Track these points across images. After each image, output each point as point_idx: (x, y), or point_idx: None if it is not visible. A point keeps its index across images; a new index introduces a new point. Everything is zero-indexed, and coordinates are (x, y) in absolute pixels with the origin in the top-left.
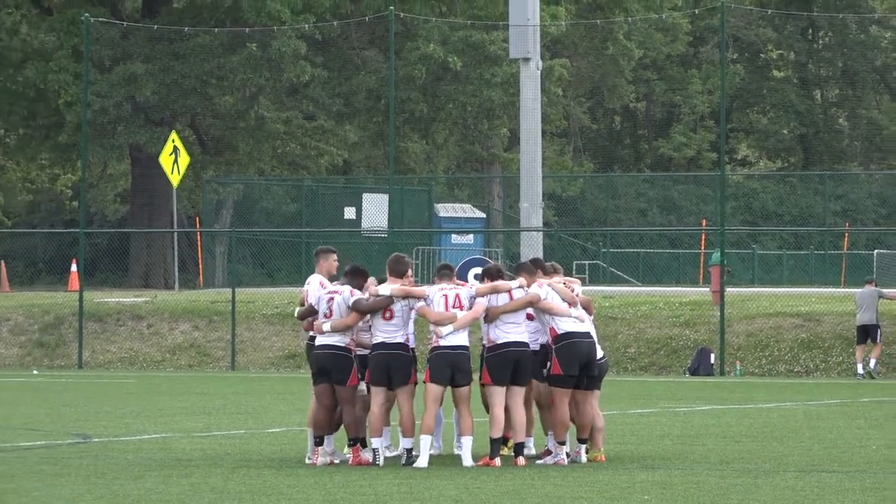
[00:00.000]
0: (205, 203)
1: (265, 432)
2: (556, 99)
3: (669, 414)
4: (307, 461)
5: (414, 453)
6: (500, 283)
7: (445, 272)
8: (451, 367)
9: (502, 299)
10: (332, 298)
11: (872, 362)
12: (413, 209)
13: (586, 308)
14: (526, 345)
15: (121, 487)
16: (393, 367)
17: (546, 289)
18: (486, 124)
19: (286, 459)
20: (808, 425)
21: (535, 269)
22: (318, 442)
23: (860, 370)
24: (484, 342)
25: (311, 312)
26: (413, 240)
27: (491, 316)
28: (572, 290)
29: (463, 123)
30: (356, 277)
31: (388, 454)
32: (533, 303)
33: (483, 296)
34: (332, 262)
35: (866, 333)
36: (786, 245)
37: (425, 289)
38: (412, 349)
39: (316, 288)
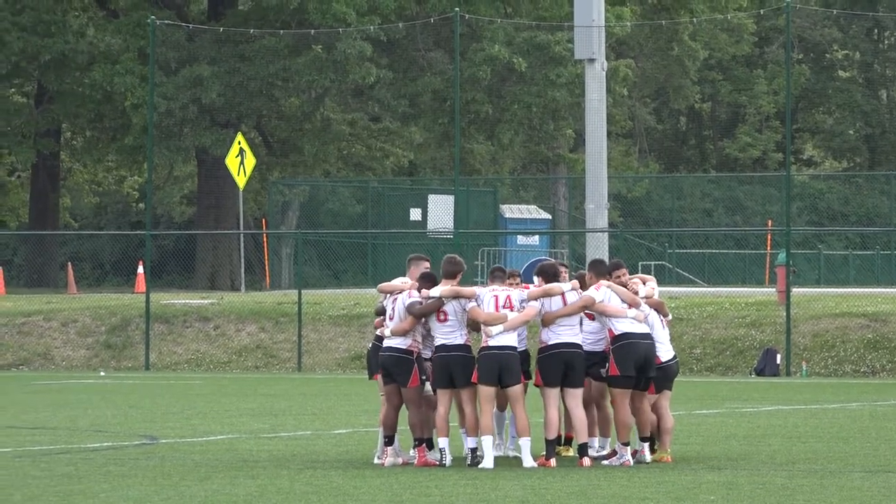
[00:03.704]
0: (271, 205)
1: (331, 433)
2: (621, 100)
3: (735, 414)
4: (376, 461)
5: (478, 454)
6: (552, 286)
7: (498, 274)
8: (497, 367)
9: (556, 302)
10: (395, 300)
11: None
12: (478, 210)
13: (658, 309)
14: (578, 346)
15: (187, 489)
16: (454, 367)
17: (604, 291)
18: (551, 125)
19: (352, 460)
20: (874, 426)
21: (603, 269)
22: (388, 442)
23: None
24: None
25: (383, 312)
26: (478, 241)
27: (547, 321)
28: (636, 291)
29: (528, 124)
30: (425, 283)
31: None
32: (587, 306)
33: (535, 299)
34: (422, 269)
35: None
36: (852, 245)
37: (476, 290)
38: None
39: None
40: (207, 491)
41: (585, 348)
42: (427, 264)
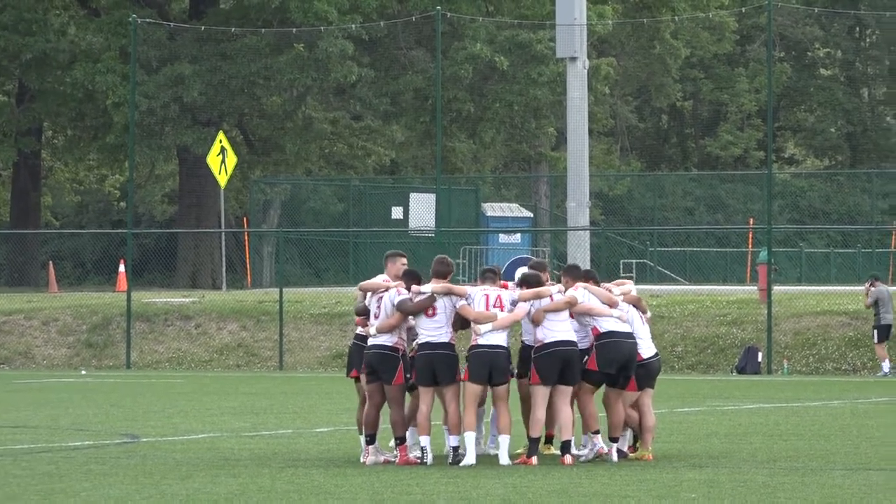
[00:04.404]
0: (252, 203)
1: (313, 432)
2: (602, 98)
3: (717, 412)
4: (362, 460)
5: (460, 451)
6: (542, 288)
7: (489, 275)
8: (489, 366)
9: (545, 304)
10: (381, 298)
11: (887, 364)
12: (460, 209)
13: (637, 306)
14: (574, 343)
15: (168, 487)
16: (438, 366)
17: (583, 292)
18: (532, 123)
19: (334, 459)
20: (855, 423)
21: (578, 274)
22: (370, 441)
23: (886, 368)
24: (523, 339)
25: (367, 311)
26: (460, 239)
27: (536, 320)
28: (611, 291)
29: (510, 123)
30: (410, 281)
31: (416, 453)
32: (572, 304)
33: (525, 300)
34: (399, 265)
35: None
36: (833, 243)
37: (467, 288)
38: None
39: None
40: (189, 489)
41: None
42: (404, 260)
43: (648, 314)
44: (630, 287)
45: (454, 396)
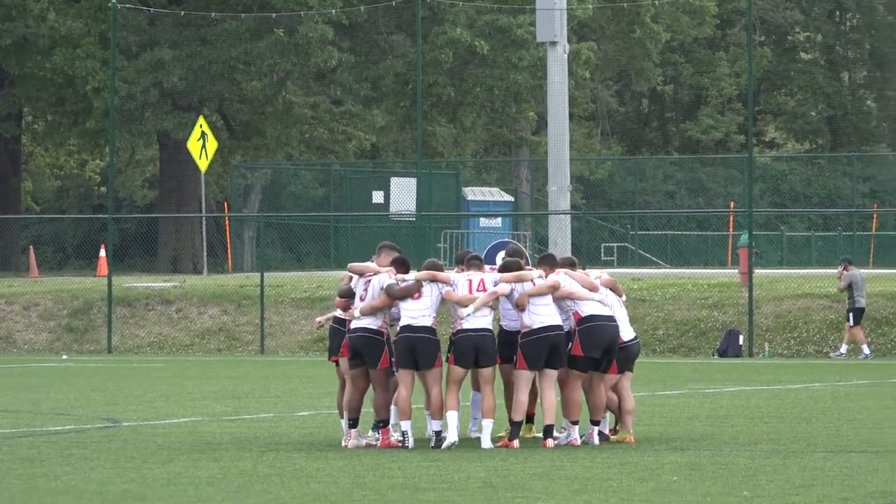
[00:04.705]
0: (233, 188)
1: (294, 416)
2: (583, 82)
3: (698, 395)
4: (344, 443)
5: (442, 435)
6: (523, 272)
7: (475, 262)
8: (474, 350)
9: (526, 288)
10: (368, 281)
11: (845, 347)
12: (441, 193)
13: (613, 289)
14: (561, 328)
15: (150, 471)
16: (419, 349)
17: (563, 276)
18: (513, 108)
19: (315, 442)
20: (836, 406)
21: (554, 261)
22: (352, 424)
23: (866, 350)
24: (502, 324)
25: (350, 293)
26: (441, 223)
27: (520, 304)
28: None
29: (490, 107)
30: (399, 268)
31: (396, 435)
32: (555, 287)
33: (507, 283)
34: (389, 259)
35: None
36: (814, 227)
37: (452, 275)
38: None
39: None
40: (170, 473)
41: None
42: (397, 254)
43: (624, 297)
44: (600, 273)
45: (436, 381)
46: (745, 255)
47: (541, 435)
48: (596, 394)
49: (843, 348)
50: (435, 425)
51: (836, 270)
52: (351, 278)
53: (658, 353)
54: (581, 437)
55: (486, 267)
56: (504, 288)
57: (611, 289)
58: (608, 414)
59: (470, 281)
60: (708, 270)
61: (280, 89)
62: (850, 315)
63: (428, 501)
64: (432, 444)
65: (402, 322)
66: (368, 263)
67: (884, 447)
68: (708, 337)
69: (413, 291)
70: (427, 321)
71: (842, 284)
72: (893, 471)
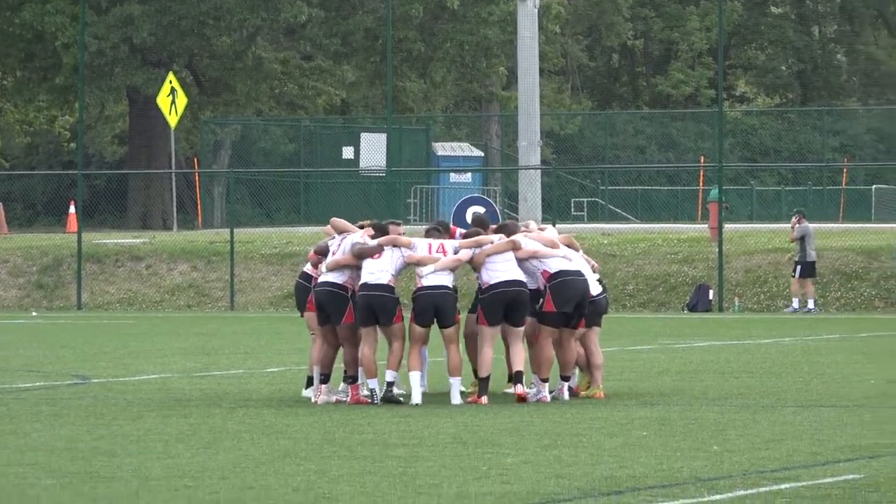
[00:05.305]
0: (203, 144)
1: (264, 372)
2: (553, 37)
3: (668, 350)
4: (306, 393)
5: (395, 391)
6: (483, 237)
7: (434, 233)
8: (433, 307)
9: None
10: (344, 238)
11: (797, 301)
12: (411, 148)
13: (570, 246)
14: (521, 283)
15: (120, 428)
16: (377, 306)
17: (522, 237)
18: (483, 63)
19: (285, 399)
20: (806, 360)
21: (514, 228)
22: (324, 380)
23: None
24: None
25: (326, 251)
26: (411, 179)
27: (476, 263)
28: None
29: (461, 62)
30: (375, 233)
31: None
32: (515, 246)
33: (467, 248)
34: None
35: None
36: (784, 181)
37: (413, 240)
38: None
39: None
40: (140, 430)
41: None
42: (401, 229)
43: (581, 252)
44: (552, 230)
45: (396, 336)
46: (715, 210)
47: (511, 391)
48: (566, 349)
49: (796, 303)
50: (389, 376)
51: (809, 225)
52: (334, 237)
53: (628, 307)
54: (551, 392)
55: (457, 230)
56: (466, 254)
57: (567, 245)
58: (576, 370)
59: (430, 245)
60: (678, 225)
61: (250, 45)
62: (799, 268)
63: (398, 457)
64: (381, 397)
65: (361, 280)
66: (349, 225)
67: (853, 401)
68: (678, 292)
69: (372, 253)
70: (384, 278)
71: (795, 235)
72: (862, 425)
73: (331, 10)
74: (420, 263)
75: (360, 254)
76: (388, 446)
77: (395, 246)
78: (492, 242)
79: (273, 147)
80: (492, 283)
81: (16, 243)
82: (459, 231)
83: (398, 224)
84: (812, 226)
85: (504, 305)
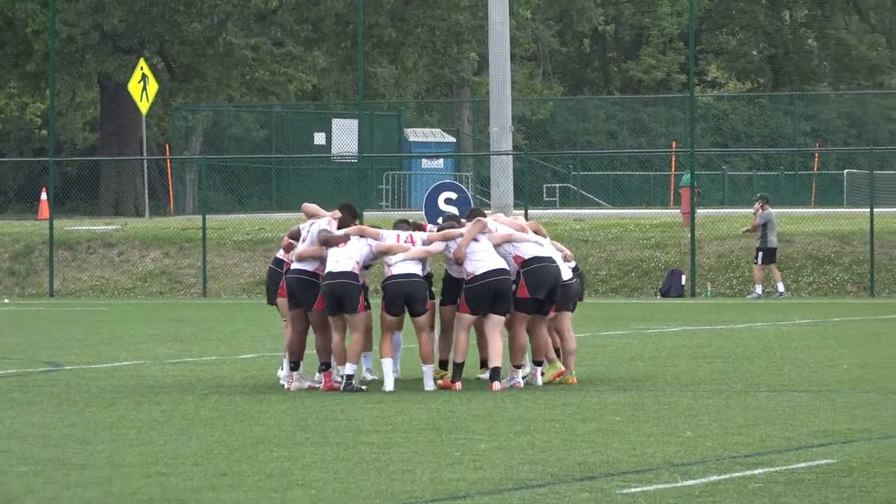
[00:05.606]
0: (174, 130)
1: (237, 358)
2: (524, 22)
3: (641, 335)
4: (281, 381)
5: (367, 376)
6: (451, 230)
7: (401, 224)
8: (403, 296)
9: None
10: (312, 224)
11: (760, 288)
12: (383, 134)
13: (538, 232)
14: (506, 271)
15: (92, 415)
16: (341, 295)
17: (490, 221)
18: (455, 48)
19: (258, 385)
20: (778, 345)
21: (480, 214)
22: (294, 367)
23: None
24: (448, 270)
25: (299, 236)
26: (383, 165)
27: (458, 258)
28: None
29: (432, 48)
30: (347, 214)
31: (369, 377)
32: (483, 227)
33: (435, 241)
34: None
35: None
36: (756, 166)
37: (381, 231)
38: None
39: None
40: (112, 417)
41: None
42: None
43: (549, 239)
44: (521, 218)
45: (358, 325)
46: (687, 195)
47: (486, 377)
48: (538, 335)
49: (759, 289)
50: (348, 369)
51: (782, 210)
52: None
53: (601, 293)
54: (524, 378)
55: (429, 227)
56: (438, 246)
57: (534, 231)
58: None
59: (398, 235)
60: (650, 210)
61: (221, 31)
62: (760, 254)
63: (371, 444)
64: (342, 387)
65: (327, 269)
66: (320, 209)
67: (826, 386)
68: (650, 277)
69: (337, 242)
70: (348, 266)
71: (757, 222)
72: (835, 410)
73: None
74: (389, 252)
75: (326, 241)
76: (361, 433)
77: (362, 236)
78: (459, 234)
79: (245, 133)
80: (477, 273)
81: None
82: (430, 227)
83: (407, 223)
84: (781, 211)
85: (491, 295)
